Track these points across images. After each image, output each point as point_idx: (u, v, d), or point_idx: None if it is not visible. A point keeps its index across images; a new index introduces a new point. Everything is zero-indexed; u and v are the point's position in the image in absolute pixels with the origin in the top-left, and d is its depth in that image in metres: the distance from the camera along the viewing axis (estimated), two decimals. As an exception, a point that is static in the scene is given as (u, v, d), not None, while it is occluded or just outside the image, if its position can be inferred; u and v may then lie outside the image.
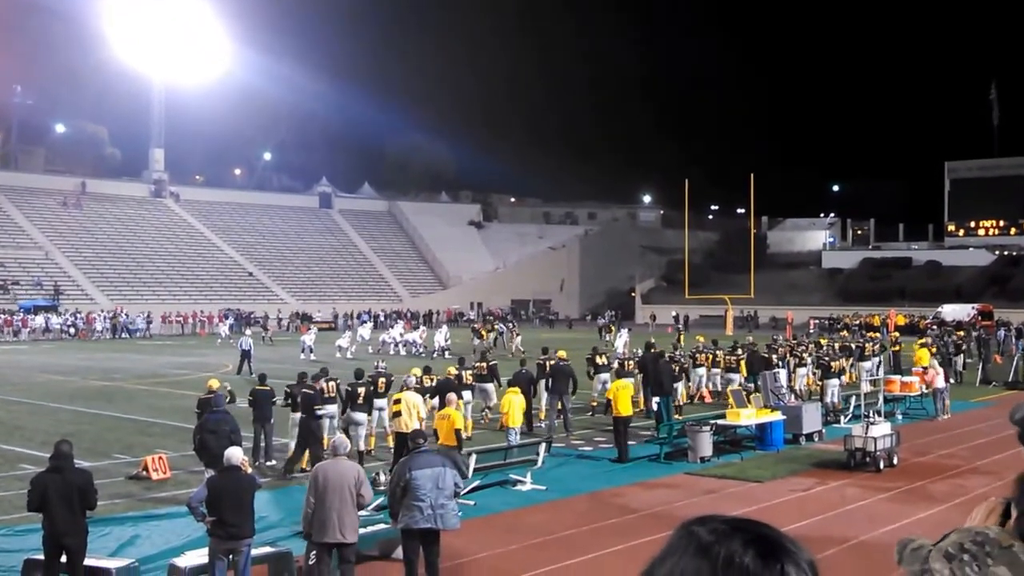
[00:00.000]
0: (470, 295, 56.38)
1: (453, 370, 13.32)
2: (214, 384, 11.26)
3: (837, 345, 19.96)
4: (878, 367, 18.42)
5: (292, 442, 11.19)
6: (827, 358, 16.72)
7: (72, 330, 38.54)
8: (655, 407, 14.06)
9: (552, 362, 14.36)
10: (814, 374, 17.58)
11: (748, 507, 9.11)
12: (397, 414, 10.71)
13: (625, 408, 12.03)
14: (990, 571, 1.04)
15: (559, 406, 13.77)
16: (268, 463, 11.29)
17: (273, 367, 14.49)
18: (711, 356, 17.82)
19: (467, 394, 13.36)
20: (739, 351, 18.03)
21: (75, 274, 46.48)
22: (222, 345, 32.30)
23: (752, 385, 15.28)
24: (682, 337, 22.13)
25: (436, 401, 12.00)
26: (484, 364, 14.99)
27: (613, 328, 32.77)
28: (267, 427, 11.43)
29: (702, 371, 17.63)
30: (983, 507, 1.25)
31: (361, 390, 11.51)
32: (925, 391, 15.60)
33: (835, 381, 15.95)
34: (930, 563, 1.12)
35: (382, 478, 9.04)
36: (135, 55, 51.30)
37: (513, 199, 74.58)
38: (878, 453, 10.95)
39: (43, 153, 60.42)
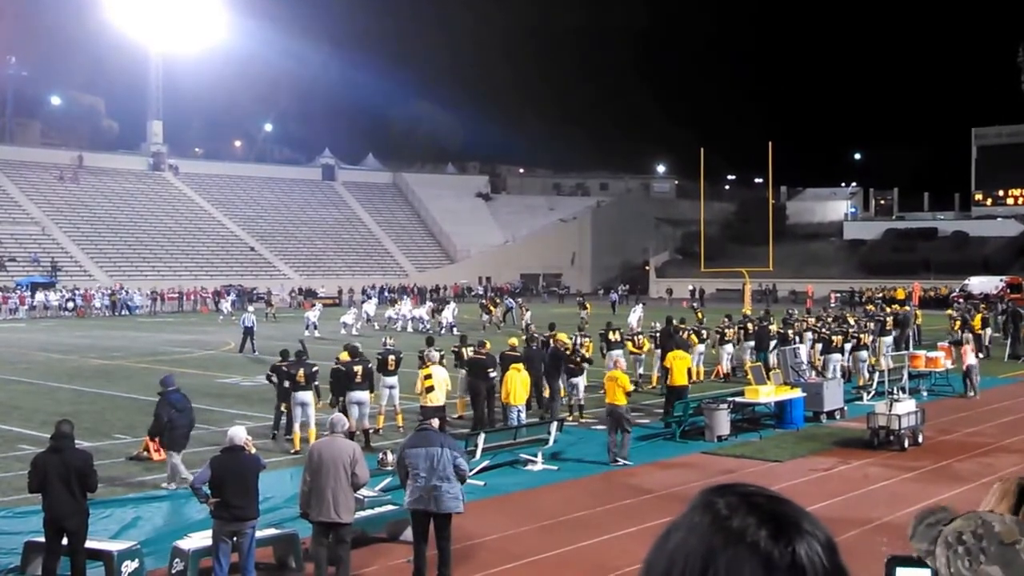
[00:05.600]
0: (478, 270, 55.75)
1: (515, 341, 13.33)
2: (344, 356, 11.37)
3: (862, 320, 19.58)
4: (907, 342, 17.66)
5: (297, 422, 10.87)
6: (827, 331, 16.35)
7: (71, 304, 38.01)
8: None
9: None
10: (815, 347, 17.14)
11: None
12: (430, 389, 10.60)
13: (681, 378, 11.95)
14: (982, 569, 1.00)
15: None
16: (288, 437, 11.05)
17: (277, 345, 13.95)
18: (735, 331, 17.49)
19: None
20: (749, 325, 17.75)
21: (73, 250, 46.08)
22: (224, 322, 31.81)
23: (760, 363, 14.93)
24: (701, 313, 21.42)
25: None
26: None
27: (589, 305, 31.61)
28: (289, 404, 11.11)
29: (729, 347, 17.25)
30: (997, 489, 1.19)
31: (357, 368, 11.14)
32: (951, 367, 15.26)
33: (837, 356, 15.59)
34: (936, 546, 1.08)
35: (390, 458, 8.68)
36: (131, 24, 50.39)
37: (522, 170, 73.59)
38: (902, 431, 10.66)
39: (38, 126, 60.04)
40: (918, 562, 1.04)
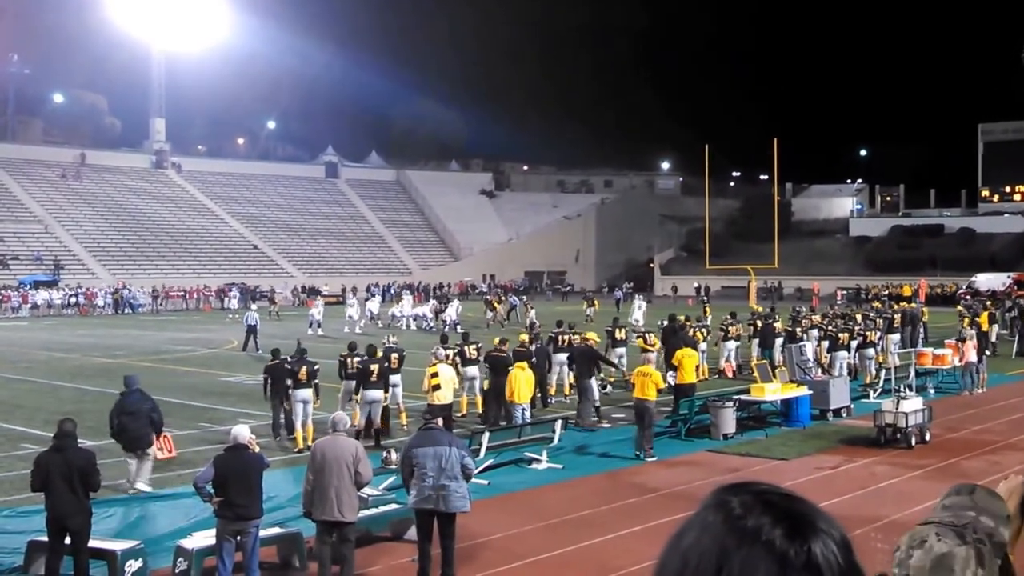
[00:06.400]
0: (482, 267, 55.62)
1: (526, 337, 13.44)
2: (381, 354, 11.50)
3: (870, 316, 19.45)
4: (915, 339, 17.53)
5: (298, 420, 10.85)
6: (834, 329, 16.26)
7: (73, 301, 37.93)
8: (673, 381, 13.43)
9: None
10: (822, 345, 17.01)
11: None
12: (436, 387, 10.62)
13: (690, 376, 12.00)
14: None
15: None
16: (290, 436, 11.02)
17: (279, 343, 13.92)
18: (738, 329, 17.43)
19: (473, 369, 12.95)
20: (758, 322, 17.67)
21: (76, 248, 46.02)
22: (232, 320, 31.61)
23: (766, 360, 14.85)
24: (708, 309, 21.30)
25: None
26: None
27: (597, 302, 31.59)
28: (285, 404, 11.12)
29: (732, 344, 17.13)
30: (1003, 488, 1.15)
31: (374, 367, 11.18)
32: (958, 364, 15.18)
33: (843, 354, 15.53)
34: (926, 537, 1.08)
35: (393, 456, 8.70)
36: (133, 21, 50.35)
37: (526, 167, 73.29)
38: (909, 429, 10.61)
39: (41, 124, 59.93)
40: None
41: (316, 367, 11.08)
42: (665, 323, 16.06)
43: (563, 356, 14.18)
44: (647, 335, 15.89)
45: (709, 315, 20.11)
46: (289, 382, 10.87)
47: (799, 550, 0.73)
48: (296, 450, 10.57)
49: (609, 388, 14.48)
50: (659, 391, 10.67)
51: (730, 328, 17.17)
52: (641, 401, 10.41)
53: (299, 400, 10.79)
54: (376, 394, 11.01)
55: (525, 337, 13.53)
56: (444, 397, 10.59)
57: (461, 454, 6.40)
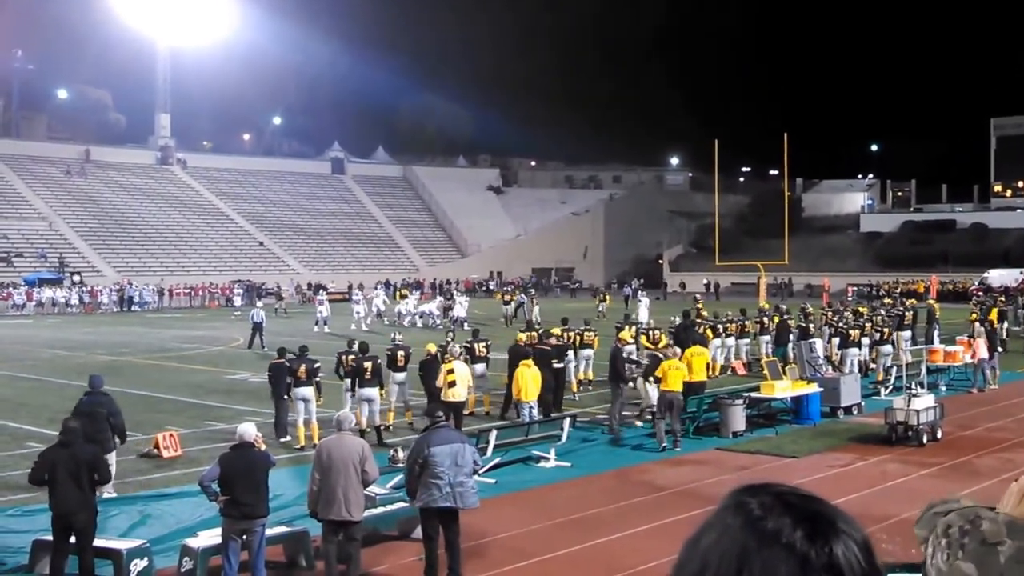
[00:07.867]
0: (490, 264, 55.53)
1: (558, 331, 13.66)
2: (432, 348, 11.81)
3: (878, 310, 19.36)
4: (933, 336, 17.34)
5: (299, 418, 10.76)
6: (844, 325, 16.14)
7: (75, 299, 37.92)
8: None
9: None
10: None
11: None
12: (452, 384, 10.62)
13: (700, 374, 12.06)
14: (956, 564, 1.00)
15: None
16: (282, 439, 10.89)
17: (285, 340, 13.83)
18: (741, 326, 17.28)
19: (481, 367, 12.96)
20: (765, 320, 17.62)
21: (80, 245, 46.04)
22: (238, 318, 31.50)
23: (776, 358, 14.72)
24: (701, 305, 21.12)
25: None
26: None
27: (608, 297, 31.51)
28: (283, 403, 11.05)
29: (731, 341, 17.09)
30: (1015, 489, 1.15)
31: (367, 364, 11.09)
32: (969, 361, 15.08)
33: (854, 351, 15.42)
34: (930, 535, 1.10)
35: (400, 455, 8.62)
36: (138, 17, 50.39)
37: (534, 163, 73.01)
38: (921, 427, 10.54)
39: (45, 120, 59.95)
40: (902, 568, 0.97)
41: (316, 365, 11.02)
42: (677, 320, 15.94)
43: (569, 354, 14.13)
44: (651, 332, 15.76)
45: (702, 308, 19.91)
46: (289, 380, 10.80)
47: (820, 551, 0.73)
48: (297, 447, 10.49)
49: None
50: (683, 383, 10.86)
51: (729, 325, 17.08)
52: (673, 394, 10.59)
53: (299, 398, 10.75)
54: (371, 392, 10.94)
55: (558, 331, 13.55)
56: (459, 394, 10.60)
57: (472, 451, 6.52)
